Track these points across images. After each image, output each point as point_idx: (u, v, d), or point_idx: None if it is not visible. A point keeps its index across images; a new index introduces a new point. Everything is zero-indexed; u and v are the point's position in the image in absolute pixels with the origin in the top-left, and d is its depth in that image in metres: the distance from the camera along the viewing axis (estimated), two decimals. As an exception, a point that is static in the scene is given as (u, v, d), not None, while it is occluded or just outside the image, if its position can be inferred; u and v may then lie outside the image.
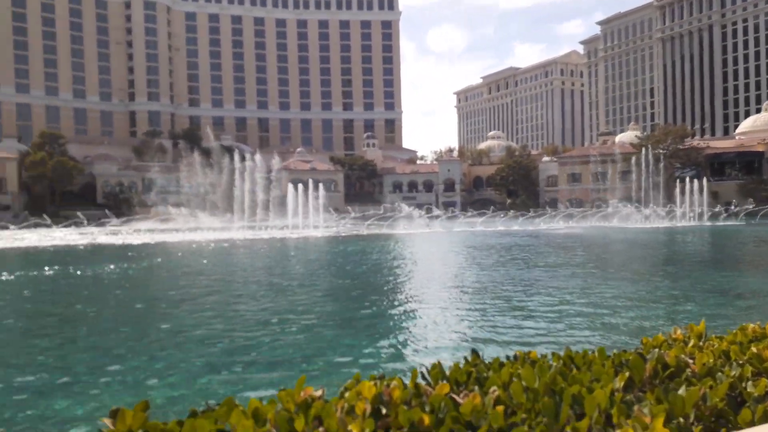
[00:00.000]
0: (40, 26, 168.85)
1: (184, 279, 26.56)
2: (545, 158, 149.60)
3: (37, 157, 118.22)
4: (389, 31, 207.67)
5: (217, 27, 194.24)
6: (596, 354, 3.07)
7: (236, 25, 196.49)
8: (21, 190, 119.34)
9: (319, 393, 2.05)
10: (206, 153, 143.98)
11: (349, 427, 1.75)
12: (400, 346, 12.70)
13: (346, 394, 2.04)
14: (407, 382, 2.21)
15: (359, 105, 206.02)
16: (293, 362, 11.30)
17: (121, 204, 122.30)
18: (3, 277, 27.00)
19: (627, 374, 2.49)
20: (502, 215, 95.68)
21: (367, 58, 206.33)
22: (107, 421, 1.70)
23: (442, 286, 22.47)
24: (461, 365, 2.67)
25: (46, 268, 31.37)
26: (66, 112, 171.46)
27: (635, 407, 2.02)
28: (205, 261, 35.18)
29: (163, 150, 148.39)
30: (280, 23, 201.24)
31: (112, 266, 31.67)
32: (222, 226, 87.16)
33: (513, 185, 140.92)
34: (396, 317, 16.40)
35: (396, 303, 19.18)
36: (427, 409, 1.99)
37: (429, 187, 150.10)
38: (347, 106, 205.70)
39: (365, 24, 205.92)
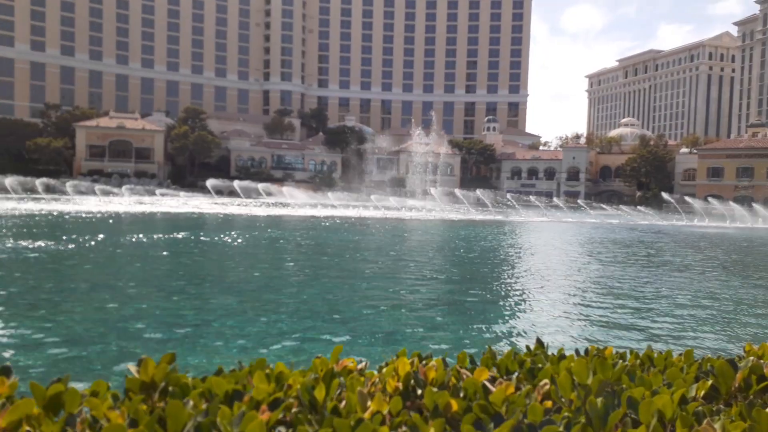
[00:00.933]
0: (191, 9, 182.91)
1: (304, 250, 27.95)
2: (683, 149, 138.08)
3: (180, 131, 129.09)
4: (520, 11, 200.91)
5: (348, 9, 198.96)
6: (682, 356, 2.77)
7: (367, 7, 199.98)
8: (166, 160, 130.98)
9: (361, 365, 2.00)
10: (331, 133, 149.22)
11: (369, 403, 1.69)
12: (494, 333, 12.51)
13: (384, 370, 1.98)
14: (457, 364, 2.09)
15: (482, 87, 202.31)
16: (384, 338, 11.55)
17: (251, 177, 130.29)
18: (159, 238, 29.96)
19: (709, 382, 2.21)
20: (639, 210, 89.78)
21: (495, 39, 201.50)
22: (132, 368, 1.75)
23: (553, 277, 21.73)
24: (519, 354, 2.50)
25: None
26: (208, 89, 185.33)
27: (705, 420, 1.74)
28: (313, 235, 36.75)
29: (292, 128, 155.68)
30: (410, 4, 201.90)
31: (232, 234, 34.04)
32: (341, 204, 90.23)
33: (645, 177, 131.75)
34: (500, 305, 16.15)
35: (502, 290, 18.87)
36: (461, 394, 1.90)
37: (550, 174, 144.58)
38: (470, 89, 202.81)
39: (495, 4, 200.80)
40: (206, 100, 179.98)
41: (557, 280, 20.89)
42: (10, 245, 24.47)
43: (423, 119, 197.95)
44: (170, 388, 1.73)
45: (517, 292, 18.22)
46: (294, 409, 1.70)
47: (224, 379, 1.76)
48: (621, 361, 2.55)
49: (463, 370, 2.08)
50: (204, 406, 1.53)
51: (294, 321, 12.63)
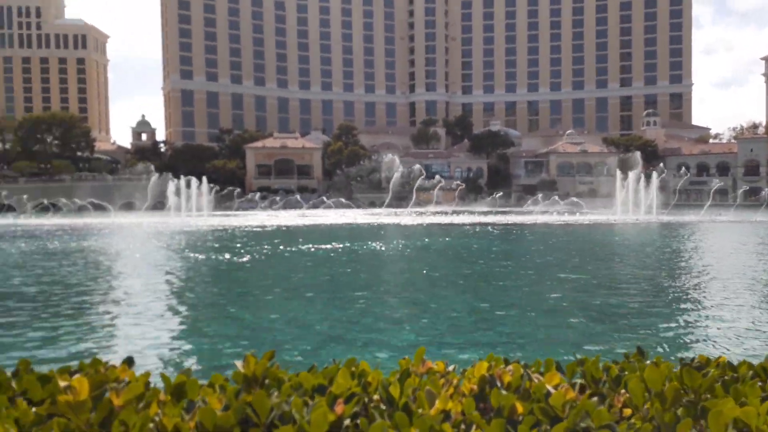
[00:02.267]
0: (340, 30, 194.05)
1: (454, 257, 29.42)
2: None
3: (335, 147, 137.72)
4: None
5: (491, 12, 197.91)
6: None
7: (510, 8, 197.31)
8: (324, 175, 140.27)
9: (451, 368, 2.13)
10: (476, 139, 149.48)
11: (437, 402, 1.79)
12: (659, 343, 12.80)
13: (466, 373, 2.09)
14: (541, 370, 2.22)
15: (639, 79, 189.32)
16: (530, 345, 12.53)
17: (400, 188, 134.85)
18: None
19: None
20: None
21: (651, 27, 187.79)
22: (238, 364, 2.00)
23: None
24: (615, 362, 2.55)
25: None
26: (359, 105, 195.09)
27: None
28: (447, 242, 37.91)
29: (437, 137, 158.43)
30: (555, 0, 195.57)
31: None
32: (485, 210, 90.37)
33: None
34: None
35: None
36: (532, 398, 1.98)
37: (724, 170, 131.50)
38: (625, 82, 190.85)
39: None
40: (357, 116, 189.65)
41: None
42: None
43: (573, 118, 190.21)
44: (267, 381, 1.97)
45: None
46: (371, 404, 1.87)
47: (312, 375, 1.99)
48: (714, 370, 2.50)
49: (536, 375, 2.15)
50: (290, 397, 1.72)
51: (445, 327, 13.77)
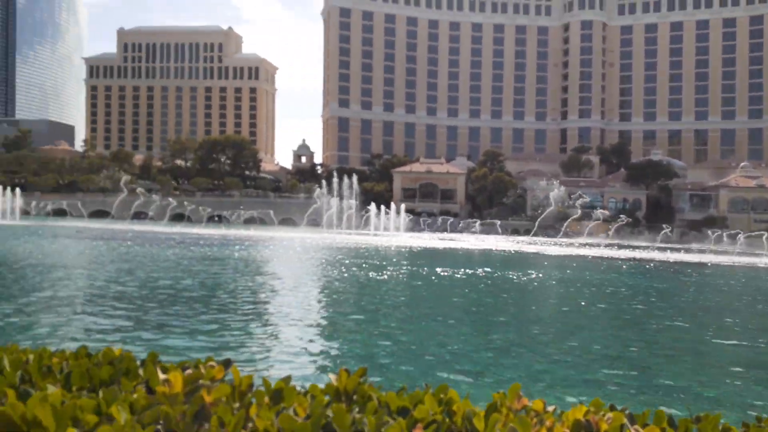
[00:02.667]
0: (491, 58, 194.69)
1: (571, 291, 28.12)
2: None
3: (480, 173, 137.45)
4: None
5: (653, 37, 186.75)
6: None
7: (675, 32, 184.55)
8: (466, 200, 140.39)
9: (550, 408, 2.07)
10: (634, 168, 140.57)
11: None
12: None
13: (563, 415, 2.03)
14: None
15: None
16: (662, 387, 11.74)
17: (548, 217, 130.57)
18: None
19: None
20: None
21: None
22: (332, 377, 2.06)
23: None
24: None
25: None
26: (506, 132, 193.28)
27: None
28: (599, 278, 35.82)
29: (590, 165, 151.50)
30: (728, 23, 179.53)
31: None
32: (639, 245, 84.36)
33: None
34: None
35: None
36: None
37: None
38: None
39: None
40: (505, 143, 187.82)
41: None
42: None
43: (749, 149, 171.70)
44: (355, 397, 2.02)
45: None
46: None
47: (398, 396, 2.00)
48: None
49: (636, 428, 2.03)
50: (373, 416, 1.75)
51: (581, 364, 13.19)
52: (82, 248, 41.11)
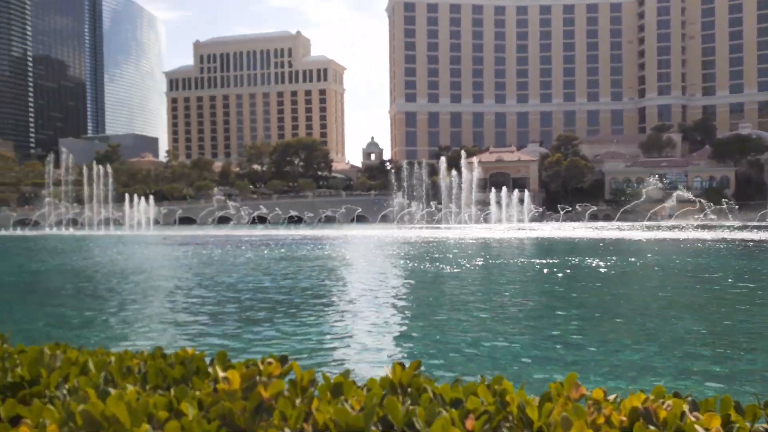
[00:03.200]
0: (561, 40, 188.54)
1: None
2: None
3: (553, 158, 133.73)
4: None
5: (738, 5, 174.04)
6: None
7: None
8: (540, 188, 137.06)
9: (611, 397, 2.05)
10: (720, 144, 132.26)
11: (572, 430, 1.75)
12: None
13: (622, 403, 2.01)
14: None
15: None
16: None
17: (626, 200, 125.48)
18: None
19: None
20: None
21: None
22: (387, 370, 2.13)
23: None
24: None
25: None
26: (580, 115, 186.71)
27: None
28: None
29: (672, 144, 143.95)
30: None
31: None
32: (736, 224, 79.36)
33: None
34: None
35: None
36: None
37: None
38: None
39: None
40: (579, 126, 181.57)
41: None
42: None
43: None
44: (409, 389, 2.09)
45: None
46: (508, 424, 1.87)
47: (451, 388, 2.05)
48: None
49: (696, 414, 1.98)
50: (425, 406, 1.81)
51: (675, 356, 12.53)
52: (180, 254, 43.89)
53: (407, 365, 2.13)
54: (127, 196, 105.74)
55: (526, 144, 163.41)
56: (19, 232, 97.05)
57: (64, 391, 2.04)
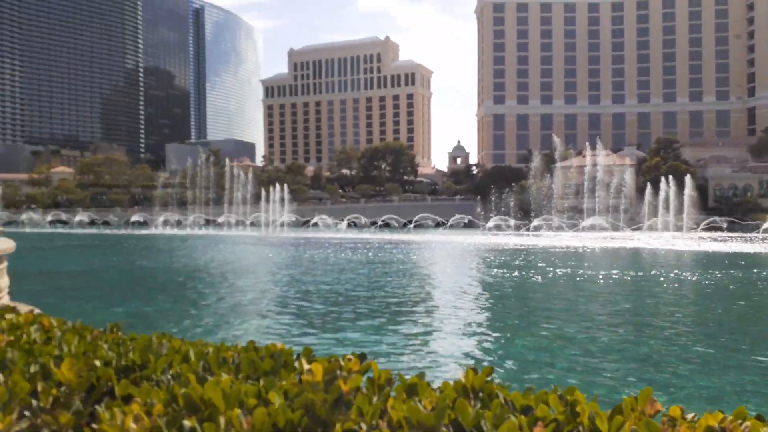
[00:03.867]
0: (661, 36, 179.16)
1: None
2: None
3: (652, 163, 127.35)
4: None
5: None
6: None
7: None
8: (637, 194, 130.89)
9: (689, 416, 1.99)
10: None
11: None
12: None
13: (698, 421, 1.94)
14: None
15: None
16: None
17: (734, 209, 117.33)
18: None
19: None
20: None
21: None
22: (461, 375, 2.20)
23: None
24: None
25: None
26: (682, 116, 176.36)
27: None
28: None
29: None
30: None
31: None
32: None
33: None
34: None
35: None
36: None
37: None
38: None
39: None
40: (680, 128, 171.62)
41: None
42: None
43: None
44: (480, 394, 2.12)
45: None
46: None
47: (523, 395, 2.08)
48: None
49: None
50: (495, 411, 1.85)
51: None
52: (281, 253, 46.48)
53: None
54: (226, 199, 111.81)
55: (623, 147, 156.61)
56: (129, 230, 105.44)
57: (168, 376, 2.28)
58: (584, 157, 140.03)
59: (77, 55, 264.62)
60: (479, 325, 18.30)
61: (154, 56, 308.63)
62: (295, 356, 2.49)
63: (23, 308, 9.97)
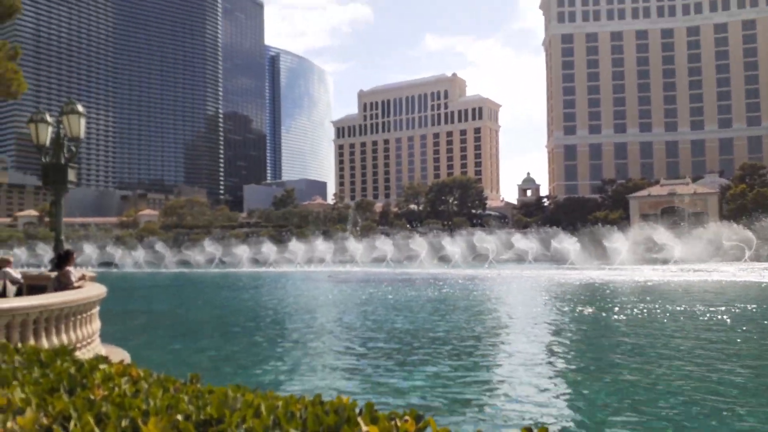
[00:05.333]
0: (742, 59, 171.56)
1: None
2: None
3: (736, 190, 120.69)
4: None
5: None
6: None
7: None
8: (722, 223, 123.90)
9: None
10: None
11: None
12: None
13: None
14: None
15: None
16: None
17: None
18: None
19: None
20: None
21: None
22: None
23: None
24: None
25: None
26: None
27: None
28: None
29: None
30: None
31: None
32: None
33: None
34: None
35: None
36: None
37: None
38: None
39: None
40: (766, 153, 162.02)
41: None
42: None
43: None
44: None
45: None
46: None
47: None
48: None
49: None
50: None
51: None
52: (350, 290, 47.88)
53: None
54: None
55: (703, 175, 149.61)
56: (212, 269, 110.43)
57: (243, 430, 2.43)
58: (662, 186, 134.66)
59: (163, 105, 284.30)
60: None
61: (233, 102, 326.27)
62: (358, 411, 2.62)
63: (114, 353, 10.90)
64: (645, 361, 18.27)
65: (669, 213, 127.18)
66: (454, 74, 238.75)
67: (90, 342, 10.18)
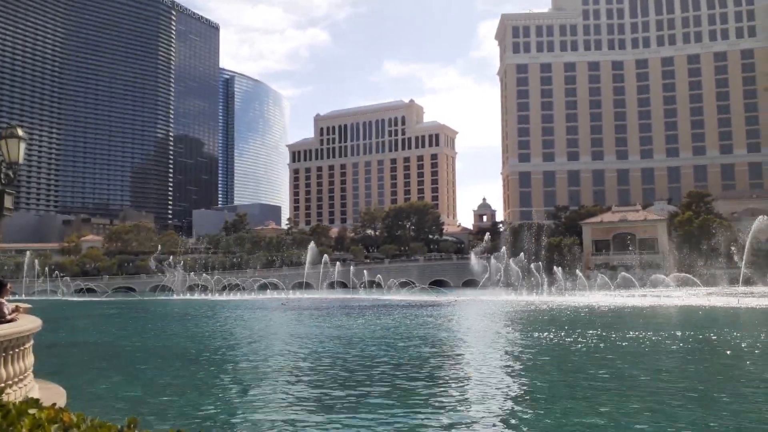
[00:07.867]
0: (687, 91, 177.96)
1: None
2: None
3: (683, 217, 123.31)
4: None
5: None
6: None
7: None
8: (671, 250, 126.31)
9: None
10: None
11: None
12: None
13: None
14: None
15: None
16: None
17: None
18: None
19: None
20: None
21: None
22: None
23: None
24: None
25: None
26: (713, 169, 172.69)
27: None
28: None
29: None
30: None
31: None
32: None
33: None
34: None
35: None
36: None
37: None
38: None
39: None
40: (711, 181, 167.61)
41: None
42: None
43: None
44: None
45: None
46: None
47: None
48: None
49: None
50: None
51: None
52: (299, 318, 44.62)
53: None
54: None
55: (653, 202, 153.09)
56: (154, 297, 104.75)
57: None
58: (613, 213, 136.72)
59: (111, 126, 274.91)
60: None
61: (185, 125, 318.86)
62: None
63: (49, 390, 10.01)
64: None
65: (620, 239, 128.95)
66: (411, 100, 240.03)
67: (22, 378, 9.54)
